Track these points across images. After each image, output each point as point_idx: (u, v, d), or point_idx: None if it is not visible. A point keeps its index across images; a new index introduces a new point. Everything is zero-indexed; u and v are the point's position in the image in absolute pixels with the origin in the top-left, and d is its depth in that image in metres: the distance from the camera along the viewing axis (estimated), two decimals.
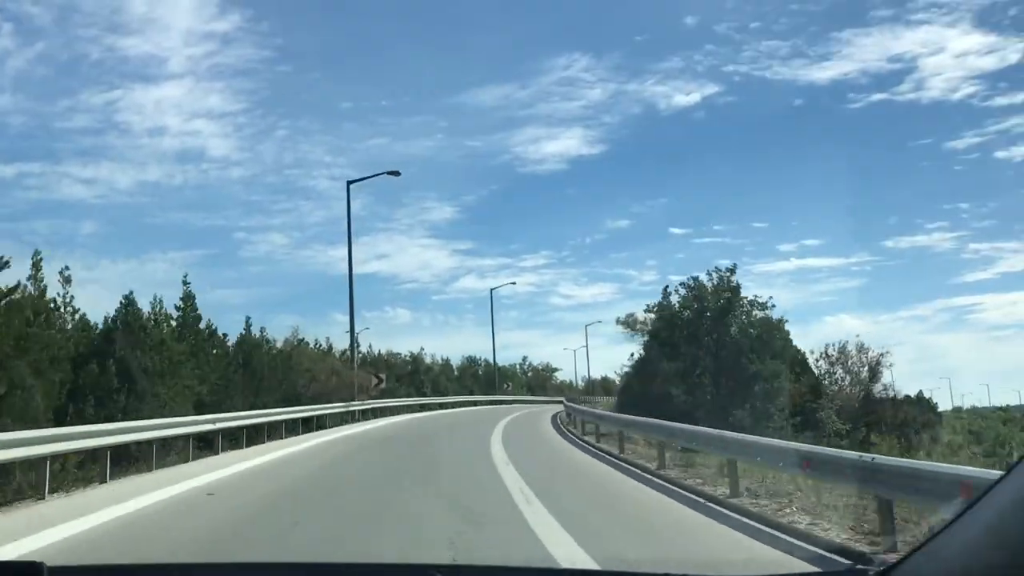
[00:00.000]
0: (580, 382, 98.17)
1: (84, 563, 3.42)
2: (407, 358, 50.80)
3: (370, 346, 47.76)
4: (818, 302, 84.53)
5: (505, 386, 70.40)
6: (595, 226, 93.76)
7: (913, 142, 74.12)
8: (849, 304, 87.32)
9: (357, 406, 29.66)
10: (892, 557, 3.78)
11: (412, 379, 48.40)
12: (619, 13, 79.83)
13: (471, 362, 69.46)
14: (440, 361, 59.31)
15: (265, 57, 77.92)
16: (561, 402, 57.59)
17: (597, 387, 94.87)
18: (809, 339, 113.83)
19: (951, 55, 74.23)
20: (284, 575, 2.46)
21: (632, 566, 5.86)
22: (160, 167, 73.62)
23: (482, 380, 66.51)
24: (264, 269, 78.47)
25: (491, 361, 69.81)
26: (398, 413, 35.86)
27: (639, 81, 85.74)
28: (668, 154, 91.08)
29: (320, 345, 35.73)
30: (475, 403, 54.44)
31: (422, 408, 41.07)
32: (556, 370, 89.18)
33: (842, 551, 6.12)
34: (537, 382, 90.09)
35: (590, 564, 5.62)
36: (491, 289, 66.34)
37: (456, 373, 65.04)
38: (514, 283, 67.52)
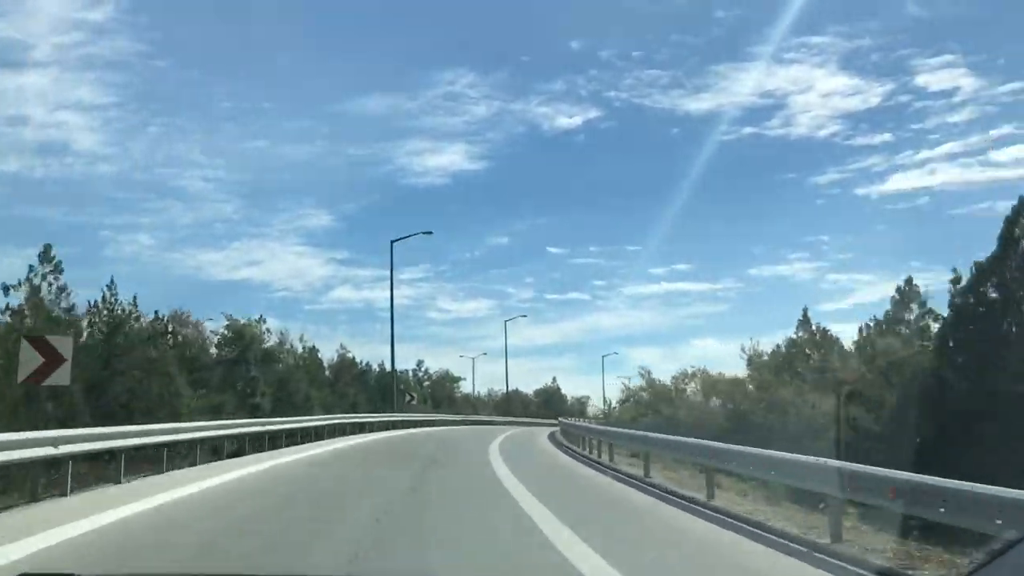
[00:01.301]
0: (488, 395, 79.37)
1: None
2: (223, 330, 24.21)
3: (109, 293, 21.22)
4: (686, 325, 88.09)
5: (408, 399, 44.68)
6: (475, 242, 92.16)
7: (780, 175, 77.91)
8: (714, 328, 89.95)
9: None
10: None
11: (231, 374, 22.14)
12: (506, 32, 79.64)
13: (350, 362, 43.17)
14: (302, 348, 33.26)
15: (140, 51, 72.67)
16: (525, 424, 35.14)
17: (516, 402, 76.41)
18: (677, 362, 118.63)
19: (818, 94, 76.15)
20: None
21: None
22: (20, 159, 64.98)
23: (373, 389, 40.88)
24: (130, 270, 70.36)
25: (378, 367, 44.12)
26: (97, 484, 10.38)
27: (523, 101, 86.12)
28: (549, 174, 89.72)
29: None
30: (363, 426, 29.84)
31: (236, 451, 15.44)
32: (460, 379, 71.94)
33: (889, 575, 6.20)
34: (441, 394, 66.22)
35: None
36: (391, 241, 41.14)
37: (329, 375, 39.18)
38: (431, 232, 42.19)
